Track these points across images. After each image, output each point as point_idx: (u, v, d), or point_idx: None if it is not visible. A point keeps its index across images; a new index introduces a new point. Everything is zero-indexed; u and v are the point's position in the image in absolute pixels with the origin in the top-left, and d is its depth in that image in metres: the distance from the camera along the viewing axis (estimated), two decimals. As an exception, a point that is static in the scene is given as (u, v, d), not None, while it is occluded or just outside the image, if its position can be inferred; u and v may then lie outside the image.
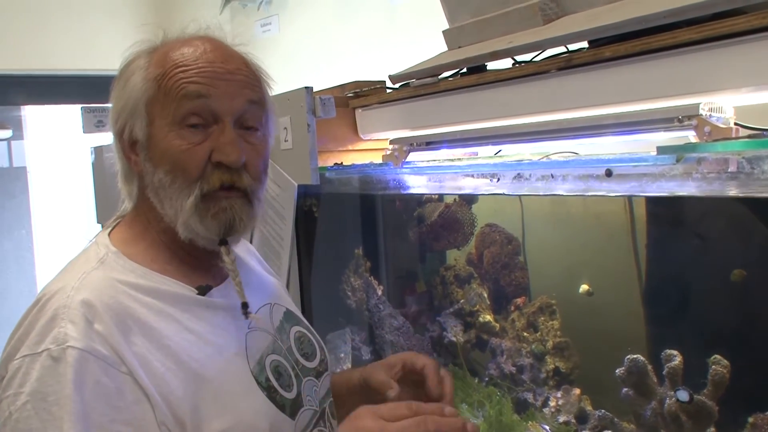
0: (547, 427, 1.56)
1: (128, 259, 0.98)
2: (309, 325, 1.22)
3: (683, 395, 1.21)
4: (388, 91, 1.90)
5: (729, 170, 0.98)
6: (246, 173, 0.98)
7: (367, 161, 1.98)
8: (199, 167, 0.95)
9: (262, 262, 1.30)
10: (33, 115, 6.87)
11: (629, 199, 1.51)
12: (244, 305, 1.04)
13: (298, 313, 1.22)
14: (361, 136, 2.00)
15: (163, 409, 0.88)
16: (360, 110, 1.96)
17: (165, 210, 0.98)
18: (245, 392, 0.98)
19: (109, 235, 1.03)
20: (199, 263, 1.04)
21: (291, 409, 1.03)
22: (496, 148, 1.76)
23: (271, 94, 1.06)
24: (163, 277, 0.98)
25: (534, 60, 1.47)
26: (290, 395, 1.04)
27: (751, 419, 1.20)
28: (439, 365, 1.11)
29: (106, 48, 4.20)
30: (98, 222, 3.39)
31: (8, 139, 6.43)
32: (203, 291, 1.01)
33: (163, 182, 0.96)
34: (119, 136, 1.01)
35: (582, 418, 1.55)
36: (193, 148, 0.95)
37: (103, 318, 0.88)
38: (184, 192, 0.95)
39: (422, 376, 1.09)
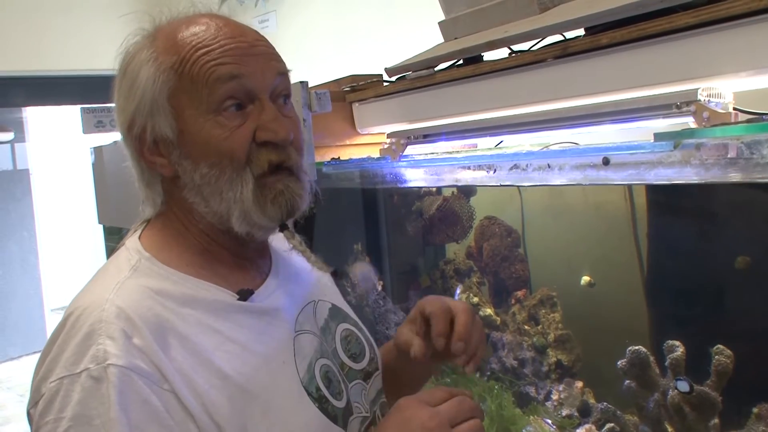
0: (550, 421, 1.54)
1: (163, 265, 0.91)
2: (357, 320, 1.11)
3: (683, 386, 1.20)
4: (385, 84, 1.89)
5: (728, 156, 0.96)
6: (292, 148, 0.91)
7: (364, 156, 1.96)
8: (245, 149, 0.88)
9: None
10: (34, 117, 6.89)
11: (629, 188, 1.49)
12: (335, 273, 1.02)
13: (346, 307, 1.12)
14: (359, 131, 1.98)
15: (210, 429, 0.82)
16: (357, 104, 1.95)
17: (212, 206, 0.90)
18: (296, 406, 0.90)
19: (139, 238, 0.95)
20: (237, 261, 0.96)
21: (343, 419, 0.95)
22: (496, 139, 1.74)
23: None
24: (200, 282, 0.91)
25: (531, 49, 1.46)
26: (341, 404, 0.96)
27: (755, 410, 1.18)
28: (448, 306, 0.97)
29: (106, 48, 4.19)
30: (99, 222, 3.38)
31: (10, 142, 6.43)
32: (244, 296, 0.93)
33: (208, 177, 0.88)
34: (137, 139, 0.91)
35: (585, 411, 1.54)
36: (235, 132, 0.87)
37: (142, 332, 0.82)
38: (236, 182, 0.88)
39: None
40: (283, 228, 0.94)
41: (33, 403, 0.82)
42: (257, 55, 0.90)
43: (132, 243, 0.94)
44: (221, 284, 0.92)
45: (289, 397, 0.90)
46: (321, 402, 0.92)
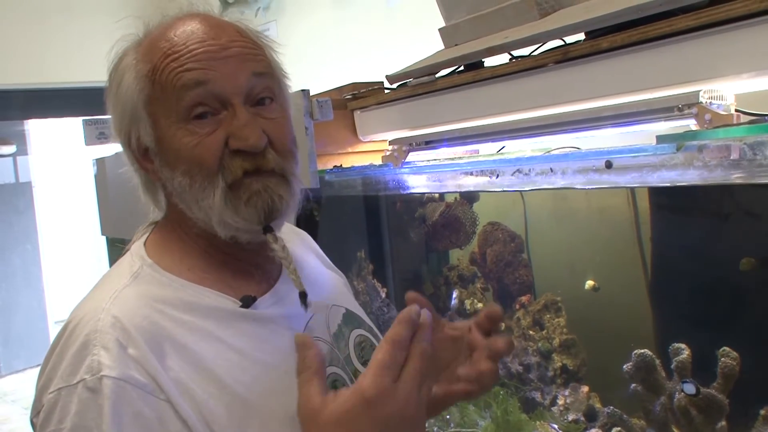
0: (556, 426, 1.53)
1: (164, 271, 0.89)
2: (372, 326, 1.08)
3: (690, 388, 1.19)
4: (386, 91, 1.89)
5: (731, 157, 0.96)
6: (271, 152, 0.87)
7: (367, 163, 1.97)
8: (215, 158, 0.85)
9: (320, 254, 1.16)
10: (37, 129, 6.91)
11: (632, 191, 1.49)
12: (303, 295, 0.90)
13: (361, 312, 1.08)
14: (361, 138, 1.98)
15: None
16: (358, 112, 1.95)
17: (195, 214, 0.88)
18: (296, 417, 0.85)
19: (144, 244, 0.94)
20: (242, 266, 0.93)
21: None
22: (497, 145, 1.75)
23: (277, 59, 0.94)
24: (202, 289, 0.89)
25: (531, 54, 1.46)
26: None
27: (763, 411, 1.18)
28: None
29: (106, 60, 4.21)
30: (102, 234, 3.39)
31: (13, 155, 6.45)
32: (247, 302, 0.90)
33: (183, 185, 0.86)
34: (127, 146, 0.91)
35: (591, 415, 1.53)
36: (205, 139, 0.85)
37: (137, 342, 0.80)
38: (207, 189, 0.85)
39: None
40: (266, 231, 0.89)
41: (35, 413, 0.82)
42: (229, 57, 0.86)
43: (136, 248, 0.93)
44: (224, 291, 0.90)
45: (290, 408, 0.85)
46: None
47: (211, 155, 0.85)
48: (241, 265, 0.94)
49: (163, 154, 0.88)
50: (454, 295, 1.89)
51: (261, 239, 0.90)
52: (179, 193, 0.88)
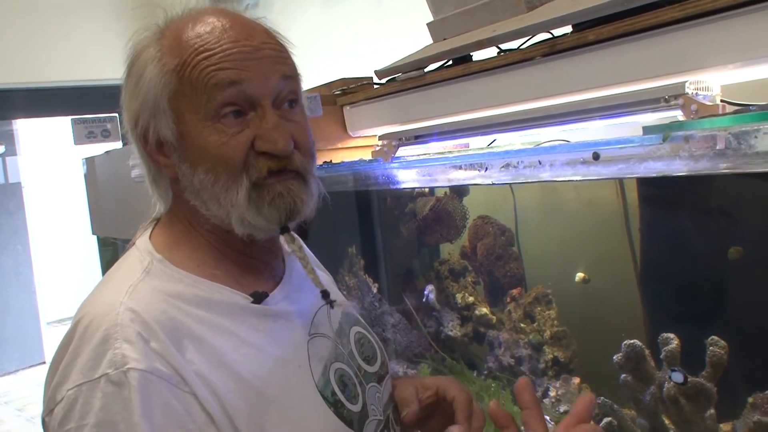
0: (548, 418, 1.54)
1: (175, 267, 0.89)
2: (366, 324, 1.10)
3: (678, 377, 1.20)
4: (375, 86, 1.89)
5: (717, 147, 0.97)
6: (296, 153, 0.88)
7: (356, 158, 1.97)
8: (241, 157, 0.86)
9: (309, 253, 1.16)
10: (25, 129, 6.87)
11: (621, 183, 1.50)
12: (325, 293, 0.95)
13: (355, 310, 1.11)
14: (350, 134, 1.99)
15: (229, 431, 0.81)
16: (348, 107, 1.95)
17: (212, 210, 0.89)
18: (312, 410, 0.89)
19: (149, 238, 0.94)
20: (251, 263, 0.95)
21: (358, 423, 0.93)
22: (487, 139, 1.75)
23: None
24: (213, 285, 0.89)
25: (519, 48, 1.46)
26: (356, 407, 0.94)
27: (750, 399, 1.19)
28: (471, 399, 1.02)
29: (94, 58, 4.21)
30: (93, 233, 3.38)
31: (2, 155, 6.42)
32: (259, 298, 0.91)
33: (204, 182, 0.87)
34: (142, 138, 0.90)
35: (582, 406, 1.54)
36: (232, 138, 0.85)
37: (158, 335, 0.80)
38: (231, 188, 0.86)
39: (451, 408, 1.01)
40: (283, 231, 0.91)
41: (48, 411, 0.80)
42: (261, 58, 0.87)
43: (143, 243, 0.93)
44: (234, 287, 0.91)
45: (305, 401, 0.89)
46: (337, 406, 0.91)
47: (237, 155, 0.86)
48: (250, 261, 0.95)
49: (184, 150, 0.88)
50: (427, 290, 1.90)
51: (274, 237, 0.92)
52: (198, 189, 0.89)
